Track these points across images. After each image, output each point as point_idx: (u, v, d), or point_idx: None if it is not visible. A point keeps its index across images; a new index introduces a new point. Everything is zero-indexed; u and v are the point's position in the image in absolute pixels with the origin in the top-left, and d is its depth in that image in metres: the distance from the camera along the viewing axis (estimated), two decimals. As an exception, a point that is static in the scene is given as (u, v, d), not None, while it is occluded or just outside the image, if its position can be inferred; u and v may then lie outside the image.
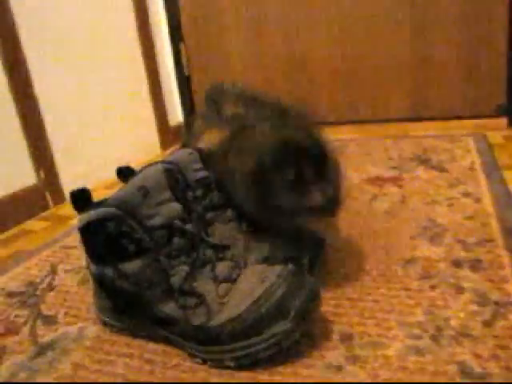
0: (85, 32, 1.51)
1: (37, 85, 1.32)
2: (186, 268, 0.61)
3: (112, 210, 0.59)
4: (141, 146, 1.75)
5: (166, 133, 1.91)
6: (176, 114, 2.03)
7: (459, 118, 1.72)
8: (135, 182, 0.61)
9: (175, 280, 0.61)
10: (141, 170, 0.64)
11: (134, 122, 1.75)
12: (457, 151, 1.36)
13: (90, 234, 0.63)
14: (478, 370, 0.54)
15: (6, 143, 1.24)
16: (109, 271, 0.63)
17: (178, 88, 2.01)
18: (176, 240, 0.62)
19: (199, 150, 0.77)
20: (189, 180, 0.72)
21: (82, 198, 0.66)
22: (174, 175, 0.69)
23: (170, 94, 1.98)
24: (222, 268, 0.63)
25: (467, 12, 1.64)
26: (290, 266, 0.61)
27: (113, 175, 0.71)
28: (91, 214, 0.61)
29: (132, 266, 0.61)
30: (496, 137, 1.46)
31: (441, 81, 1.74)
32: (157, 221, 0.61)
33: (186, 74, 1.98)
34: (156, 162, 0.68)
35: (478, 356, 0.56)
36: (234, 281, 0.62)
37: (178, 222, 0.62)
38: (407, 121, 1.79)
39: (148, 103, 1.84)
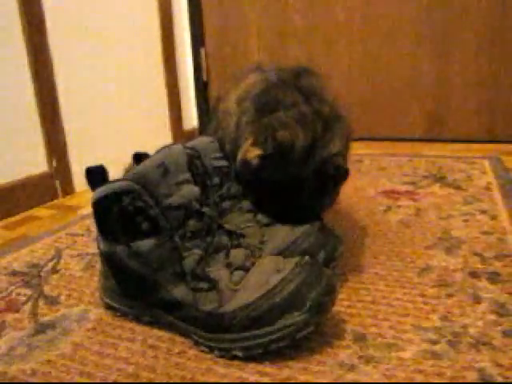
0: (109, 29, 1.53)
1: (58, 77, 1.32)
2: (199, 252, 0.59)
3: (129, 183, 0.58)
4: (153, 146, 1.74)
5: (180, 137, 1.91)
6: (191, 119, 2.03)
7: (474, 141, 1.72)
8: (155, 159, 0.60)
9: (187, 263, 0.59)
10: (160, 149, 0.63)
11: (149, 123, 1.75)
12: (472, 172, 1.34)
13: (103, 208, 0.62)
14: (499, 378, 0.52)
15: (22, 128, 1.24)
16: (119, 249, 0.61)
17: (195, 93, 2.01)
18: (192, 222, 0.60)
19: (220, 140, 0.77)
20: (207, 167, 0.71)
21: (97, 176, 0.65)
22: (193, 161, 0.68)
23: (186, 98, 1.98)
24: (237, 255, 0.61)
25: (489, 35, 1.64)
26: (307, 257, 0.59)
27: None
28: (106, 188, 0.60)
29: (144, 245, 0.59)
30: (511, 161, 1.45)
31: (458, 103, 1.74)
32: (174, 200, 0.59)
33: (204, 79, 1.99)
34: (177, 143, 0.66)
35: (498, 365, 0.54)
36: (248, 269, 0.59)
37: (195, 204, 0.60)
38: (422, 141, 1.79)
39: (164, 105, 1.85)
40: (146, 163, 0.59)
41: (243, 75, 0.90)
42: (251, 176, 0.73)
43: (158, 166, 0.59)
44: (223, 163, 0.74)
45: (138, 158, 0.68)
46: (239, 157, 0.73)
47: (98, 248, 0.67)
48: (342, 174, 0.73)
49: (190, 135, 1.97)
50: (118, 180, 0.60)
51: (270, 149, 0.69)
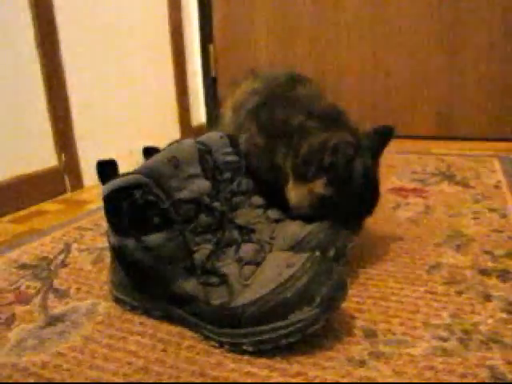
0: (118, 25, 1.53)
1: (68, 71, 1.33)
2: (210, 246, 0.59)
3: (140, 177, 0.58)
4: (162, 142, 1.74)
5: (188, 132, 1.91)
6: (199, 115, 2.03)
7: (484, 139, 1.70)
8: (166, 152, 0.60)
9: (198, 257, 0.59)
10: (172, 143, 0.63)
11: (158, 118, 1.75)
12: (482, 170, 1.33)
13: (114, 202, 0.62)
14: (510, 376, 0.51)
15: (31, 122, 1.24)
16: (130, 243, 0.62)
17: (203, 89, 2.01)
18: (203, 216, 0.60)
19: (230, 136, 0.77)
20: (218, 162, 0.71)
21: (108, 169, 0.65)
22: (203, 155, 0.68)
23: (195, 94, 1.98)
24: (247, 250, 0.61)
25: (500, 33, 1.63)
26: (318, 253, 0.59)
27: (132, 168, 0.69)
28: (117, 181, 0.60)
29: (155, 239, 0.59)
30: (522, 160, 1.43)
31: (468, 101, 1.73)
32: (185, 194, 0.59)
33: (213, 75, 1.99)
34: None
35: (510, 363, 0.53)
36: (258, 264, 0.59)
37: (206, 198, 0.60)
38: (431, 139, 1.78)
39: (173, 101, 1.85)
40: (157, 157, 0.59)
41: (238, 82, 0.91)
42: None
43: (169, 160, 0.59)
44: (234, 158, 0.74)
45: (148, 151, 0.68)
46: (303, 199, 0.73)
47: (108, 242, 0.68)
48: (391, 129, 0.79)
49: (199, 131, 1.97)
50: (128, 173, 0.60)
51: (340, 159, 0.69)
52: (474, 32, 1.66)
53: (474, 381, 0.51)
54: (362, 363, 0.55)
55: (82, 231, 1.02)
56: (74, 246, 0.94)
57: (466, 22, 1.66)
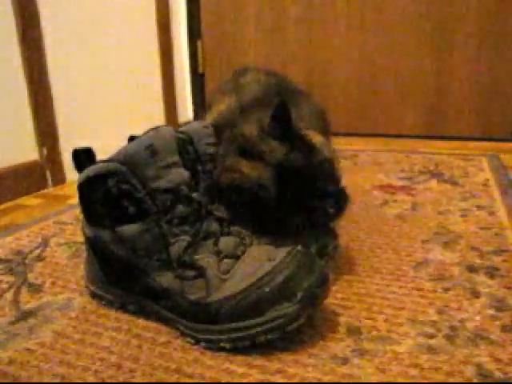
0: (105, 18, 1.50)
1: (51, 63, 1.29)
2: (187, 238, 0.57)
3: (114, 165, 0.55)
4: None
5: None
6: (186, 111, 2.00)
7: (472, 139, 1.70)
8: (143, 140, 0.57)
9: (175, 249, 0.56)
10: (148, 131, 0.60)
11: (143, 114, 1.72)
12: (470, 169, 1.32)
13: (88, 191, 0.59)
14: (497, 373, 0.49)
15: (12, 115, 1.21)
16: (104, 234, 0.59)
17: (190, 85, 1.98)
18: (180, 207, 0.57)
19: (214, 125, 0.74)
20: (200, 153, 0.69)
21: (85, 158, 0.62)
22: (185, 146, 0.66)
23: (182, 90, 1.95)
24: (227, 243, 0.58)
25: (489, 33, 1.62)
26: (300, 246, 0.57)
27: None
28: (91, 169, 0.57)
29: (130, 230, 0.57)
30: (509, 159, 1.42)
31: (457, 101, 1.72)
32: (162, 184, 0.57)
33: (201, 71, 1.96)
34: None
35: (497, 360, 0.52)
36: (238, 257, 0.57)
37: (184, 189, 0.58)
38: (420, 138, 1.77)
39: (159, 97, 1.82)
40: (133, 144, 0.57)
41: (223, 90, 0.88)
42: None
43: (146, 148, 0.56)
44: (216, 149, 0.71)
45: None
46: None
47: (83, 233, 0.65)
48: None
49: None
50: (104, 161, 0.57)
51: None
52: (462, 32, 1.65)
53: (461, 379, 0.49)
54: (345, 360, 0.52)
55: (61, 225, 0.99)
56: (53, 240, 0.91)
57: (455, 23, 1.65)
